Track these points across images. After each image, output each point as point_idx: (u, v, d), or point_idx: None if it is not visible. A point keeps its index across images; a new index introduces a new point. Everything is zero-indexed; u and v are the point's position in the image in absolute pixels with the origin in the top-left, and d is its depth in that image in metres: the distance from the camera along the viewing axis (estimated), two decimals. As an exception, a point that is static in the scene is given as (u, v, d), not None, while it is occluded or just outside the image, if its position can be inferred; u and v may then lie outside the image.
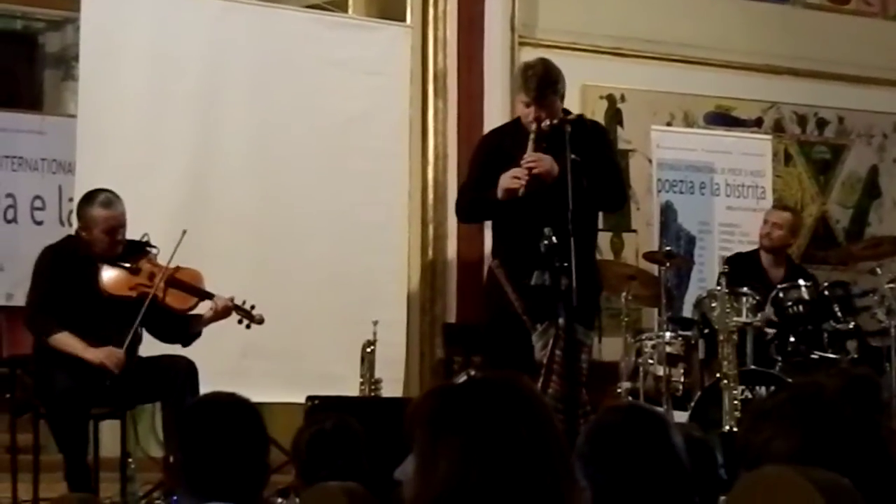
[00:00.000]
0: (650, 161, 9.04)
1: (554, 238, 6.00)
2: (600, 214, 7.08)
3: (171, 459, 2.97)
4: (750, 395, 7.07)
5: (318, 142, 7.96)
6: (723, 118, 9.74)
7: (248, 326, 6.68)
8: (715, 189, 9.11)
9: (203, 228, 7.19)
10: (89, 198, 6.48)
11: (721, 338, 7.14)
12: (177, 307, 6.52)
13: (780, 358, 7.59)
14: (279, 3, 8.27)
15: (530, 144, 6.41)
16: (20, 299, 7.57)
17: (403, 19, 8.57)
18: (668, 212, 8.94)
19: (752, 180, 9.19)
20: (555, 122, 6.45)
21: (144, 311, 6.31)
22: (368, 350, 7.06)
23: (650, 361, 7.61)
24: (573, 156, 6.21)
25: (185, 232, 6.50)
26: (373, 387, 7.04)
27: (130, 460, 6.67)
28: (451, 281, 8.63)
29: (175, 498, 6.10)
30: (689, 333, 7.70)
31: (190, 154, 7.61)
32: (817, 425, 2.23)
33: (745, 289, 7.54)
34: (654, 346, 7.62)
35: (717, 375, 7.12)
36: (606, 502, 2.55)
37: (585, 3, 9.29)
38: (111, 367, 6.24)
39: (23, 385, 6.73)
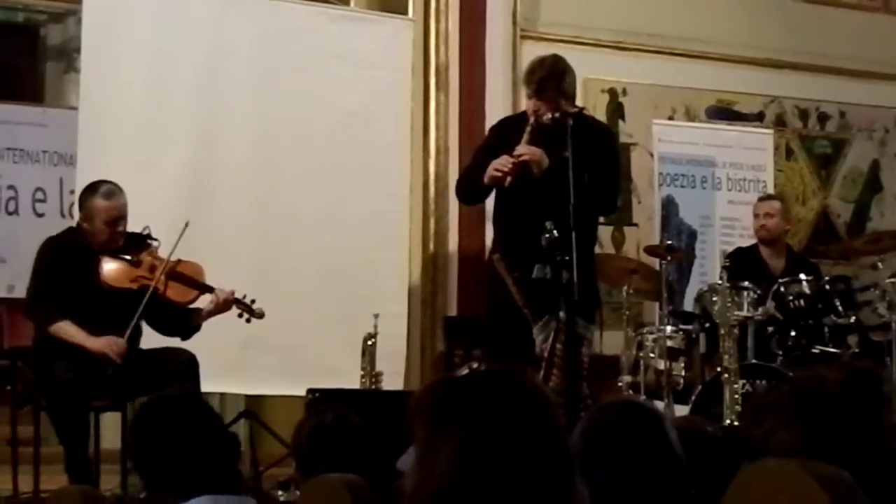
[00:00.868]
0: (651, 155, 9.04)
1: (555, 232, 6.01)
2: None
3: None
4: (751, 390, 7.07)
5: (320, 135, 7.95)
6: (724, 112, 9.73)
7: (248, 321, 6.68)
8: (716, 183, 9.11)
9: (204, 221, 7.18)
10: (91, 189, 6.48)
11: (722, 332, 7.13)
12: (177, 300, 6.52)
13: (780, 352, 7.59)
14: (281, -5, 8.27)
15: (525, 136, 6.45)
16: (21, 291, 7.57)
17: (405, 12, 8.57)
18: (669, 206, 8.93)
19: (753, 174, 9.19)
20: (556, 115, 6.46)
21: (145, 303, 6.31)
22: (369, 343, 7.06)
23: (651, 355, 7.61)
24: (566, 153, 6.22)
25: (187, 224, 6.50)
26: (374, 380, 7.04)
27: (131, 453, 6.68)
28: (452, 274, 8.63)
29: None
30: (690, 327, 7.70)
31: (191, 147, 7.61)
32: (819, 418, 2.23)
33: (745, 283, 7.54)
34: (654, 340, 7.62)
35: (718, 369, 7.12)
36: (602, 498, 2.55)
37: (587, -4, 9.30)
38: (113, 355, 6.23)
39: (23, 377, 6.72)
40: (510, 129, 6.71)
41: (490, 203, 6.89)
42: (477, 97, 8.69)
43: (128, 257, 6.46)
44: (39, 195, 8.40)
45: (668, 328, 7.64)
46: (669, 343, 7.58)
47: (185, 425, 3.01)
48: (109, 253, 6.44)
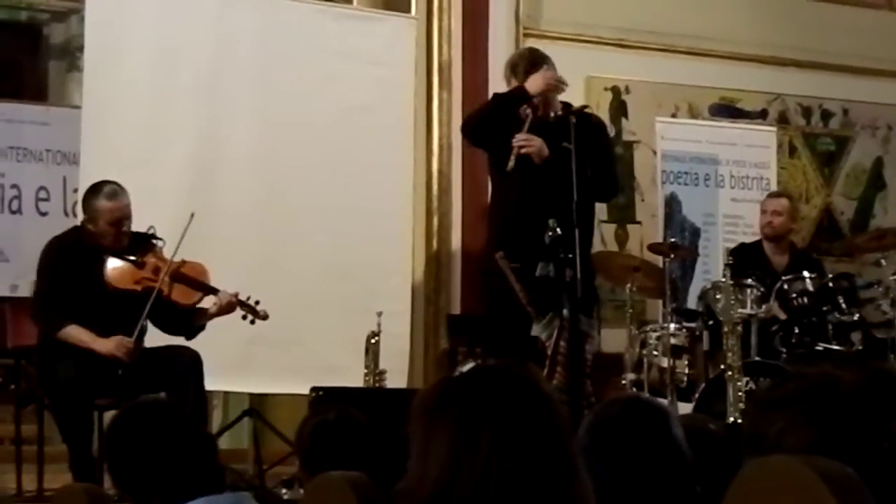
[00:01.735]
0: (655, 153, 9.03)
1: (559, 229, 6.01)
2: (601, 205, 7.12)
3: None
4: (754, 387, 7.06)
5: (322, 133, 7.95)
6: (727, 110, 9.73)
7: (252, 322, 6.68)
8: (719, 181, 9.10)
9: (207, 219, 7.17)
10: (94, 190, 6.48)
11: (725, 329, 7.12)
12: (181, 302, 6.52)
13: (784, 349, 7.59)
14: (283, -6, 8.27)
15: (525, 125, 6.50)
16: (25, 290, 7.58)
17: (408, 10, 8.57)
18: (672, 203, 8.93)
19: (756, 172, 9.18)
20: (560, 112, 6.47)
21: (150, 305, 6.31)
22: (373, 341, 7.06)
23: (654, 353, 7.61)
24: (565, 143, 6.25)
25: (193, 215, 6.50)
26: (377, 378, 7.04)
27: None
28: (456, 272, 8.63)
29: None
30: (693, 325, 7.70)
31: (194, 145, 7.61)
32: (834, 418, 2.22)
33: (749, 280, 7.54)
34: (658, 338, 7.62)
35: (722, 367, 7.11)
36: (608, 494, 2.55)
37: (590, -6, 9.30)
38: (122, 356, 6.24)
39: (27, 376, 6.73)
40: (511, 105, 6.79)
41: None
42: (480, 95, 8.67)
43: (132, 258, 6.46)
44: (43, 194, 8.39)
45: (672, 326, 7.64)
46: (673, 340, 7.57)
47: (156, 432, 3.01)
48: (114, 253, 6.44)
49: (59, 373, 6.14)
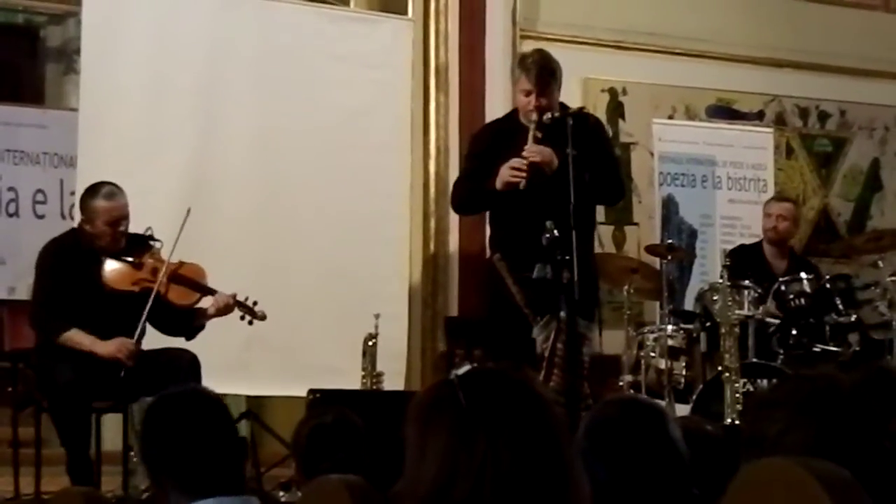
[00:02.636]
0: (652, 154, 9.04)
1: (555, 231, 6.00)
2: (600, 208, 7.10)
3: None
4: (752, 388, 7.07)
5: (320, 136, 7.95)
6: (724, 111, 9.73)
7: (250, 323, 6.68)
8: (717, 182, 9.11)
9: (204, 222, 7.17)
10: (92, 190, 6.48)
11: (723, 331, 7.13)
12: (179, 303, 6.52)
13: (782, 351, 7.58)
14: (280, -4, 8.28)
15: (531, 136, 6.42)
16: (22, 293, 7.58)
17: (405, 13, 8.57)
18: (669, 205, 8.94)
19: (753, 173, 9.19)
20: (556, 115, 6.46)
21: (149, 307, 6.31)
22: (370, 343, 7.06)
23: (652, 354, 7.61)
24: (573, 150, 6.22)
25: (189, 210, 6.52)
26: (374, 380, 7.05)
27: (132, 454, 6.67)
28: (453, 274, 8.64)
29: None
30: (690, 326, 7.70)
31: (191, 148, 7.61)
32: (834, 419, 2.21)
33: (746, 282, 7.54)
34: (655, 339, 7.62)
35: (719, 368, 7.12)
36: (605, 495, 2.55)
37: (587, -4, 9.31)
38: (124, 358, 6.24)
39: (24, 379, 6.72)
40: (501, 132, 6.67)
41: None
42: (477, 97, 8.69)
43: (130, 259, 6.46)
44: (40, 197, 8.39)
45: (669, 327, 7.64)
46: (670, 342, 7.58)
47: (198, 424, 2.99)
48: (112, 255, 6.44)
49: (57, 376, 6.13)
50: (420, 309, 8.52)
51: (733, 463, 2.26)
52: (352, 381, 7.05)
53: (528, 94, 6.52)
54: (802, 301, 7.64)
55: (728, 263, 7.39)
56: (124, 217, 6.44)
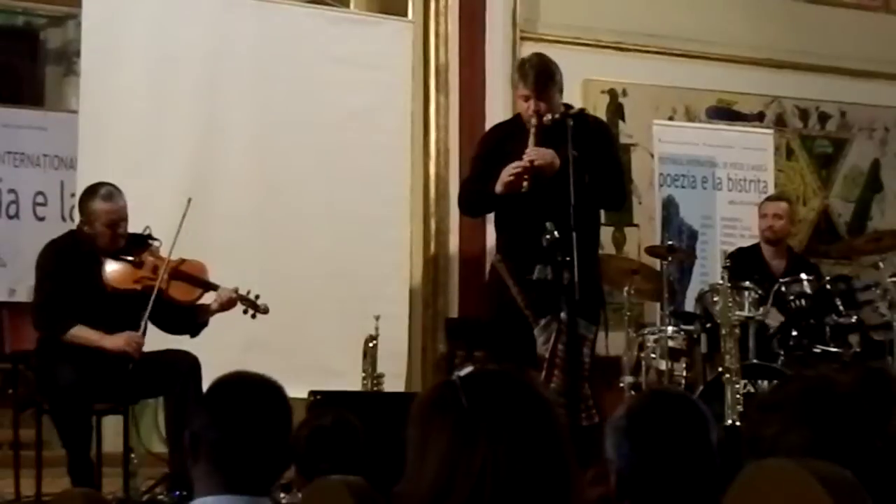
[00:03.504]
0: (652, 155, 9.03)
1: (556, 232, 6.00)
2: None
3: (187, 437, 2.84)
4: (752, 390, 7.07)
5: (320, 137, 7.95)
6: (724, 112, 9.73)
7: (253, 316, 6.68)
8: (717, 183, 9.11)
9: (205, 223, 7.18)
10: (91, 191, 6.48)
11: (723, 332, 7.13)
12: (181, 299, 6.52)
13: (782, 352, 7.58)
14: (280, -2, 8.28)
15: (531, 138, 6.44)
16: (22, 295, 7.58)
17: (405, 14, 8.57)
18: (670, 206, 8.94)
19: (753, 175, 9.19)
20: (556, 116, 6.46)
21: (152, 303, 6.31)
22: (370, 345, 7.06)
23: (652, 356, 7.61)
24: (574, 152, 6.22)
25: (189, 200, 6.53)
26: (375, 381, 7.04)
27: (133, 455, 6.69)
28: (453, 275, 8.63)
29: (177, 493, 6.11)
30: (691, 328, 7.70)
31: (191, 149, 7.61)
32: (830, 419, 2.22)
33: (747, 283, 7.54)
34: (656, 341, 7.62)
35: (720, 370, 7.12)
36: (631, 480, 2.55)
37: (587, -3, 9.31)
38: (132, 352, 6.25)
39: (25, 381, 6.72)
40: (506, 135, 6.70)
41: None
42: (477, 98, 8.69)
43: (130, 258, 6.47)
44: (40, 199, 8.40)
45: (670, 328, 7.64)
46: (671, 343, 7.58)
47: (270, 417, 2.93)
48: (111, 255, 6.44)
49: (58, 377, 6.13)
50: (421, 310, 8.52)
51: (733, 464, 2.26)
52: (352, 382, 7.05)
53: (526, 98, 6.56)
54: (803, 302, 7.64)
55: (728, 264, 7.39)
56: (123, 218, 6.44)
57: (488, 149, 6.77)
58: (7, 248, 8.21)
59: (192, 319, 6.58)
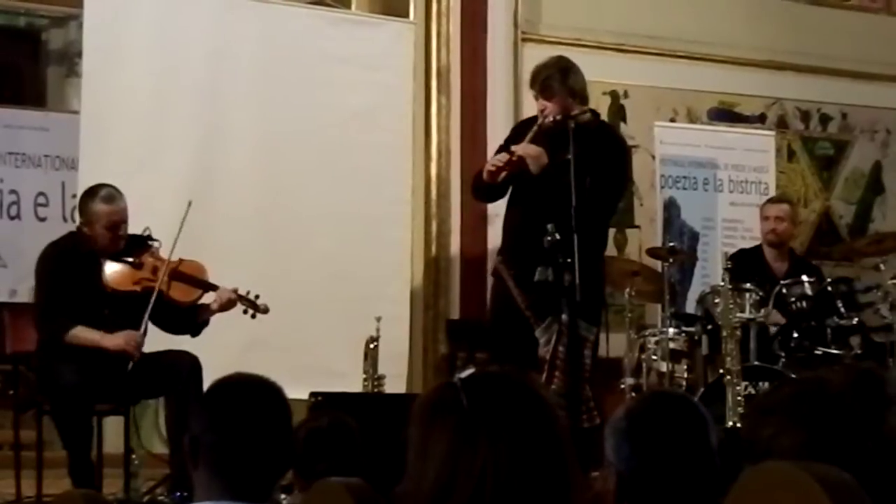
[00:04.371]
0: (653, 157, 9.03)
1: (557, 234, 6.01)
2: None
3: (187, 441, 2.80)
4: (753, 392, 7.06)
5: (322, 138, 7.95)
6: (726, 114, 9.73)
7: (253, 316, 6.68)
8: (718, 185, 9.11)
9: (206, 225, 7.18)
10: (91, 193, 6.48)
11: (724, 334, 7.13)
12: (181, 300, 6.53)
13: (783, 354, 7.58)
14: (282, -1, 8.28)
15: (529, 135, 6.49)
16: (23, 295, 7.58)
17: (406, 15, 8.57)
18: (671, 208, 8.93)
19: (755, 176, 9.19)
20: (558, 118, 6.47)
21: (152, 304, 6.32)
22: (371, 346, 7.06)
23: (653, 357, 7.61)
24: (568, 155, 6.24)
25: (190, 203, 6.53)
26: (376, 383, 7.04)
27: (134, 456, 6.69)
28: (455, 277, 8.63)
29: (178, 494, 6.11)
30: (692, 329, 7.70)
31: (193, 150, 7.61)
32: (823, 421, 2.22)
33: (748, 284, 7.53)
34: (657, 342, 7.62)
35: (721, 371, 7.12)
36: (631, 481, 2.55)
37: (589, -1, 9.31)
38: (132, 351, 6.25)
39: (26, 381, 6.73)
40: (524, 129, 6.76)
41: (494, 206, 6.90)
42: (478, 100, 8.69)
43: (130, 259, 6.47)
44: (41, 199, 8.40)
45: (671, 330, 7.64)
46: (672, 345, 7.58)
47: (270, 420, 2.91)
48: (111, 256, 6.45)
49: (59, 378, 6.13)
50: (422, 311, 8.52)
51: (734, 466, 2.26)
52: (353, 383, 7.04)
53: (536, 98, 6.65)
54: (804, 304, 7.64)
55: (729, 266, 7.39)
56: (124, 220, 6.44)
57: (507, 139, 6.88)
58: (8, 248, 8.21)
59: (192, 319, 6.58)
